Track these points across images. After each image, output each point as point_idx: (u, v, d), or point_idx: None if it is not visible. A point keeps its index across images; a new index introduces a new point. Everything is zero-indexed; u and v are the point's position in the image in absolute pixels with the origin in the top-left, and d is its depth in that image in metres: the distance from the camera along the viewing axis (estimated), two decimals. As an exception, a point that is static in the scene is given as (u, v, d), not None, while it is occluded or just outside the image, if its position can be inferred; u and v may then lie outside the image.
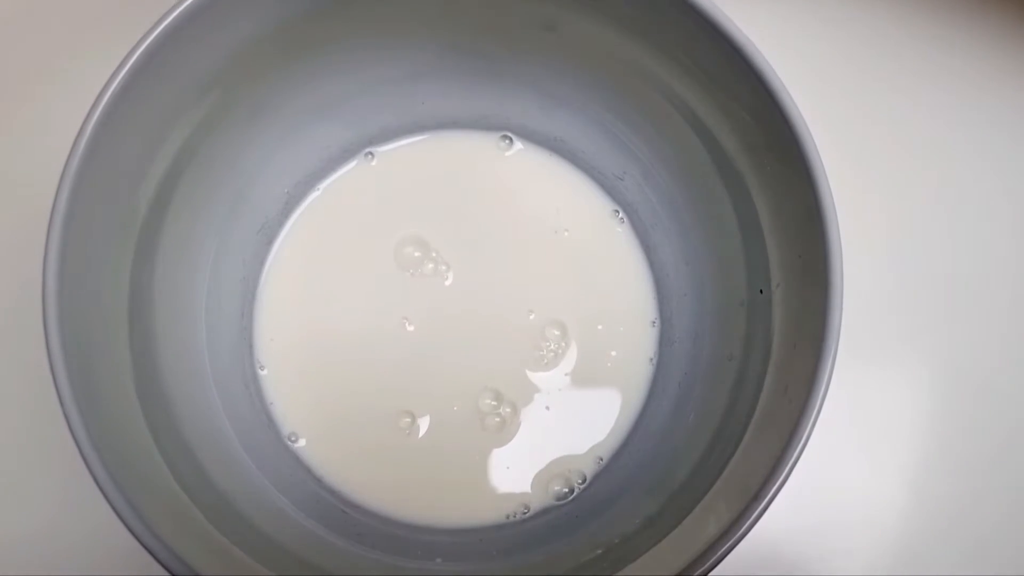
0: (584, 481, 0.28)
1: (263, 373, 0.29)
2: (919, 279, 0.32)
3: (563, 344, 0.29)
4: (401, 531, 0.27)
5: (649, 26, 0.25)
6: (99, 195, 0.22)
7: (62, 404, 0.20)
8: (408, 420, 0.28)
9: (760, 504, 0.20)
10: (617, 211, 0.31)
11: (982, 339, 0.31)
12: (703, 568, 0.20)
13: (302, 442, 0.28)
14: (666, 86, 0.27)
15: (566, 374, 0.29)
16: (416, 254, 0.30)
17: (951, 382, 0.31)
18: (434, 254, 0.30)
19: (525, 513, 0.28)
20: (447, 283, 0.30)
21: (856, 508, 0.30)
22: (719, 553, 0.20)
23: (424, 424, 0.28)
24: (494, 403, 0.29)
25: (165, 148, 0.25)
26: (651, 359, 0.30)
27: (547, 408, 0.29)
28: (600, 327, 0.30)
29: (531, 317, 0.29)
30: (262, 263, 0.30)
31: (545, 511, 0.28)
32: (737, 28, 0.23)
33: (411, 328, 0.29)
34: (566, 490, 0.28)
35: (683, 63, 0.25)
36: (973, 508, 0.30)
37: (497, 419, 0.29)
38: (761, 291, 0.26)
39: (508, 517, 0.28)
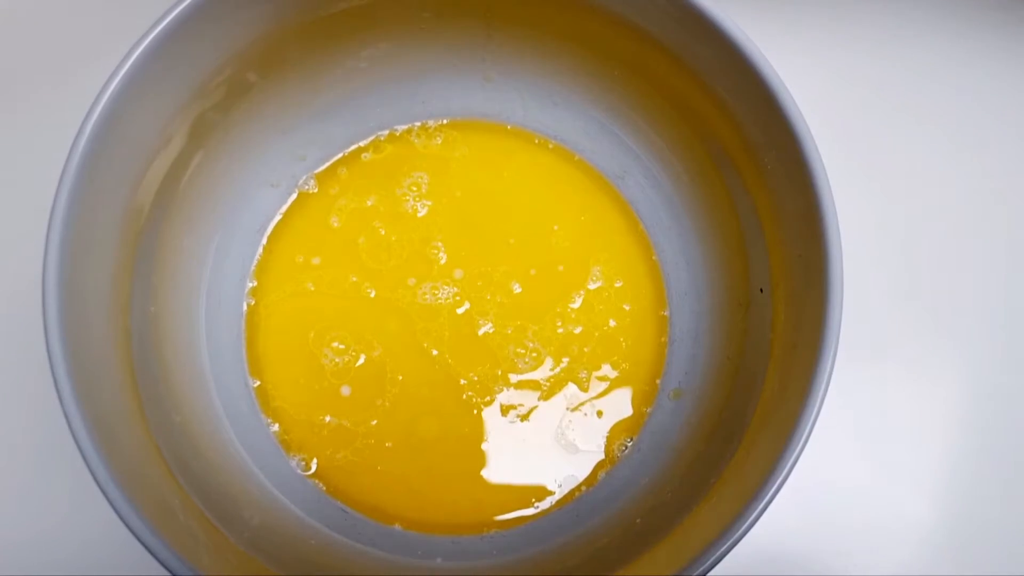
0: (585, 482, 0.28)
1: (261, 376, 0.29)
2: (922, 278, 0.32)
3: (563, 347, 0.29)
4: (401, 531, 0.27)
5: (648, 26, 0.25)
6: (99, 195, 0.22)
7: (62, 404, 0.20)
8: (406, 421, 0.28)
9: (759, 504, 0.20)
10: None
11: (985, 339, 0.31)
12: (703, 568, 0.20)
13: (301, 446, 0.28)
14: (666, 86, 0.27)
15: (565, 377, 0.29)
16: (419, 252, 0.30)
17: (953, 382, 0.31)
18: (438, 252, 0.30)
19: (526, 514, 0.28)
20: (451, 281, 0.30)
21: (857, 509, 0.30)
22: (718, 553, 0.20)
23: (423, 426, 0.28)
24: (494, 405, 0.29)
25: (166, 148, 0.25)
26: (651, 359, 0.30)
27: (546, 409, 0.29)
28: (601, 328, 0.29)
29: (531, 315, 0.29)
30: (260, 261, 0.30)
31: (545, 511, 0.28)
32: (737, 27, 0.23)
33: (413, 328, 0.29)
34: (569, 490, 0.28)
35: (683, 63, 0.25)
36: (974, 507, 0.30)
37: (498, 421, 0.29)
38: (761, 290, 0.26)
39: (510, 518, 0.28)
